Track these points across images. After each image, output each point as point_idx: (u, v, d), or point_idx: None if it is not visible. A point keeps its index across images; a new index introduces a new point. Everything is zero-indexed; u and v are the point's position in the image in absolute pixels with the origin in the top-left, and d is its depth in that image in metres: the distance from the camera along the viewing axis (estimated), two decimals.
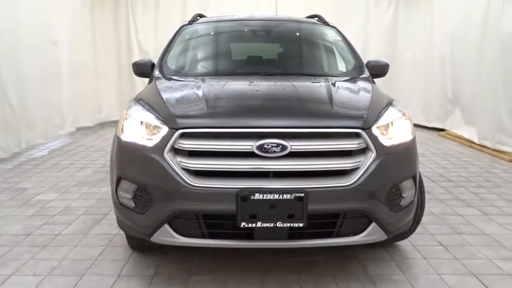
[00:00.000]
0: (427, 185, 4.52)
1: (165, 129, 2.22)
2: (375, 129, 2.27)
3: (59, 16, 6.90)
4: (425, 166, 5.44)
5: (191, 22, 3.82)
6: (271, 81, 2.84)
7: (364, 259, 2.88)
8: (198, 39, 3.60)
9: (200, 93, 2.51)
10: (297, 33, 3.76)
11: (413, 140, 2.50)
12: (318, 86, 2.72)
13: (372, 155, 2.21)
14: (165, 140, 2.20)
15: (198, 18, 3.98)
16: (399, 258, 2.91)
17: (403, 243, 3.11)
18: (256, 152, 2.12)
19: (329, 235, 2.23)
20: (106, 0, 8.55)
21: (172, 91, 2.67)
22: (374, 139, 2.24)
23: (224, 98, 2.53)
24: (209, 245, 2.25)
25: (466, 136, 6.87)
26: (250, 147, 2.13)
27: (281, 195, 2.08)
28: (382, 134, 2.31)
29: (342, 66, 3.44)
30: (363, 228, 2.25)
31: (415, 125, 8.42)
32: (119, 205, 2.43)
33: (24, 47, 5.84)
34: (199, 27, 3.75)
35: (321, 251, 2.90)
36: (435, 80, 7.98)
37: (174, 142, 2.18)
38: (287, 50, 3.63)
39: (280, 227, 2.11)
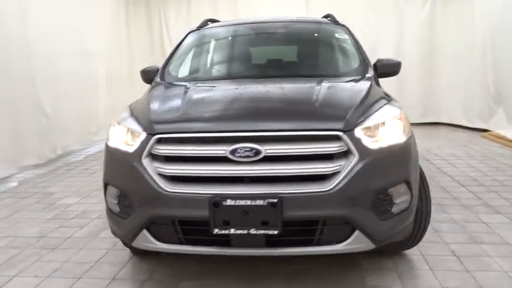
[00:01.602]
0: (454, 190, 4.29)
1: (143, 135, 2.23)
2: (358, 131, 2.15)
3: (93, 26, 7.21)
4: (457, 169, 5.12)
5: (199, 28, 3.84)
6: (263, 83, 2.78)
7: (366, 268, 2.74)
8: (202, 44, 3.60)
9: (184, 98, 2.51)
10: (301, 35, 3.67)
11: (408, 142, 2.34)
12: (308, 88, 2.61)
13: (354, 159, 2.09)
14: (143, 145, 2.21)
15: (209, 23, 3.99)
16: (404, 268, 2.74)
17: (412, 252, 2.93)
18: (230, 157, 2.07)
19: (309, 243, 2.13)
20: (139, 8, 8.84)
21: (161, 97, 2.68)
22: (357, 142, 2.12)
23: (204, 102, 2.51)
24: (187, 252, 2.22)
25: (509, 137, 6.40)
26: (223, 152, 2.08)
27: (254, 201, 2.02)
28: (369, 136, 2.18)
29: (345, 66, 3.31)
30: (345, 236, 2.12)
31: (457, 126, 8.13)
32: (107, 210, 2.47)
33: (58, 57, 6.15)
34: (205, 33, 3.75)
35: (319, 258, 2.79)
36: (477, 77, 7.52)
37: (151, 148, 2.18)
38: (289, 52, 3.55)
39: (254, 234, 2.05)
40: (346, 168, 2.08)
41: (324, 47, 3.57)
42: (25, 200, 4.40)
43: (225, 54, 3.56)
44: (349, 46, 3.42)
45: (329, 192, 2.04)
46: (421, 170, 2.72)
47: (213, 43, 3.65)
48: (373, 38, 8.47)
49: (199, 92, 2.65)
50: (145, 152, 2.19)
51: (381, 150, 2.18)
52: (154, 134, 2.19)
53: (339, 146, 2.09)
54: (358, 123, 2.17)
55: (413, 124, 8.88)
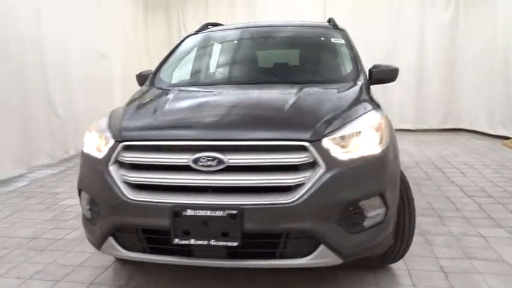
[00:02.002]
0: (459, 200, 4.13)
1: (111, 142, 2.23)
2: (326, 142, 2.07)
3: (111, 29, 7.34)
4: (467, 179, 4.92)
5: (197, 32, 3.83)
6: (243, 90, 2.74)
7: (344, 281, 2.66)
8: (195, 49, 3.58)
9: (159, 105, 2.50)
10: (294, 40, 3.61)
11: (384, 153, 2.23)
12: (284, 95, 2.55)
13: (320, 170, 2.02)
14: (111, 152, 2.21)
15: (210, 27, 3.98)
16: (384, 283, 2.64)
17: (398, 266, 2.82)
18: (192, 166, 2.04)
19: (272, 256, 2.07)
20: (158, 11, 8.96)
21: (138, 103, 2.67)
22: (324, 152, 2.04)
23: (175, 110, 2.48)
24: (150, 260, 2.20)
25: None
26: (186, 160, 2.05)
27: (213, 212, 1.98)
28: (340, 146, 2.10)
29: (334, 73, 3.22)
30: (310, 250, 2.05)
31: (479, 133, 7.82)
32: (82, 216, 2.49)
33: (72, 59, 6.30)
34: (201, 37, 3.74)
35: (298, 270, 2.72)
36: (499, 83, 7.23)
37: (118, 155, 2.18)
38: (279, 58, 3.49)
39: (214, 245, 2.01)
40: (311, 179, 2.01)
41: (316, 52, 3.49)
42: (30, 200, 4.51)
43: (215, 60, 3.54)
44: (343, 52, 3.33)
45: (292, 204, 1.98)
46: (405, 181, 2.63)
47: (206, 48, 3.63)
48: (392, 40, 8.32)
49: (175, 99, 2.63)
50: (112, 159, 2.19)
51: (351, 162, 2.10)
52: (121, 141, 2.19)
53: (304, 157, 2.03)
54: (328, 133, 2.10)
55: (432, 130, 8.68)
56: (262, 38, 3.62)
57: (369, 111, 2.41)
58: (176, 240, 2.03)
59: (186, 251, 2.10)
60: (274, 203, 1.99)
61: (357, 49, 3.41)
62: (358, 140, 2.18)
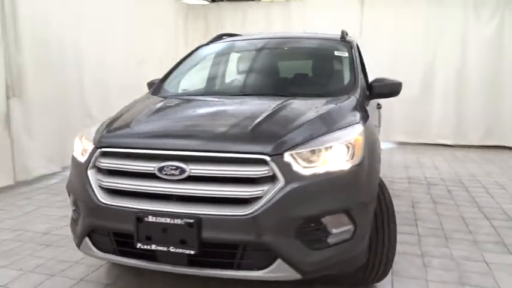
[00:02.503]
0: (475, 222, 3.93)
1: (91, 148, 2.37)
2: (288, 156, 2.08)
3: (150, 37, 7.67)
4: (492, 200, 4.66)
5: (209, 43, 3.95)
6: (227, 101, 2.82)
7: None
8: (200, 59, 3.68)
9: (142, 113, 2.62)
10: (296, 53, 3.63)
11: (355, 169, 2.20)
12: (260, 108, 2.56)
13: (279, 184, 2.04)
14: (90, 157, 2.34)
15: (224, 37, 4.08)
16: None
17: (383, 286, 2.75)
18: (157, 174, 2.13)
19: (229, 266, 2.10)
20: (198, 19, 9.25)
21: (127, 111, 2.80)
22: (284, 167, 2.06)
23: (153, 119, 2.57)
24: (119, 262, 2.31)
25: None
26: (152, 169, 2.14)
27: (172, 220, 2.05)
28: (303, 161, 2.10)
29: (329, 86, 3.20)
30: (267, 263, 2.06)
31: None
32: (71, 216, 2.65)
33: (108, 64, 6.64)
34: (209, 48, 3.84)
35: (278, 282, 2.72)
36: None
37: (95, 160, 2.31)
38: (276, 70, 3.49)
39: (174, 252, 2.08)
40: (269, 193, 2.03)
41: (314, 65, 3.49)
42: (54, 197, 4.81)
43: (214, 71, 3.62)
44: (344, 65, 3.29)
45: (248, 217, 2.01)
46: (386, 197, 2.56)
47: (209, 59, 3.72)
48: (432, 54, 8.05)
49: (159, 109, 2.74)
50: (91, 164, 2.33)
51: (314, 177, 2.10)
52: (99, 147, 2.33)
53: (263, 170, 2.05)
54: (291, 148, 2.11)
55: (473, 147, 8.23)
56: (264, 50, 3.66)
57: (347, 126, 2.38)
58: (139, 245, 2.12)
59: (151, 256, 2.18)
60: (230, 214, 2.03)
61: (360, 62, 3.36)
62: (325, 155, 2.16)
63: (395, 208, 4.25)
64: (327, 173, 2.13)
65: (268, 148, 2.08)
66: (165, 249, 2.08)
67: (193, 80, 3.42)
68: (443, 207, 4.41)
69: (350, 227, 2.20)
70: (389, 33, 8.19)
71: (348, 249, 2.21)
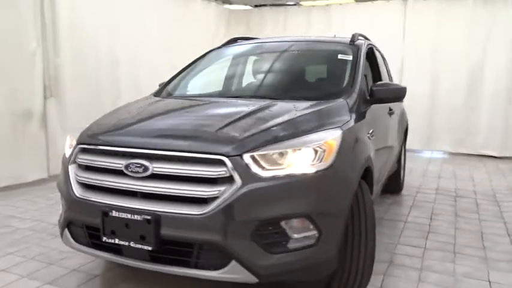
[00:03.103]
0: (494, 239, 3.70)
1: (74, 144, 2.50)
2: (247, 157, 2.07)
3: (189, 43, 7.89)
4: None
5: (221, 46, 4.01)
6: (211, 103, 2.86)
7: None
8: (208, 62, 3.73)
9: (125, 112, 2.71)
10: (300, 56, 3.59)
11: (320, 174, 2.13)
12: (240, 110, 2.56)
13: (235, 185, 2.03)
14: (71, 153, 2.48)
15: (238, 41, 4.12)
16: None
17: None
18: (124, 171, 2.20)
19: (187, 264, 2.12)
20: (239, 26, 9.38)
21: (117, 110, 2.90)
22: (242, 168, 2.04)
23: (131, 118, 2.62)
24: (90, 254, 2.39)
25: None
26: (120, 166, 2.22)
27: (133, 216, 2.11)
28: (263, 163, 2.08)
29: (324, 89, 3.13)
30: (223, 264, 2.06)
31: None
32: None
33: (144, 70, 6.91)
34: (219, 51, 3.89)
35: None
36: None
37: (75, 156, 2.43)
38: (277, 73, 3.45)
39: (134, 247, 2.13)
40: (225, 194, 2.03)
41: (313, 68, 3.42)
42: None
43: (215, 73, 3.66)
44: (345, 68, 3.19)
45: (203, 216, 2.02)
46: (366, 209, 2.46)
47: (216, 61, 3.76)
48: (478, 56, 7.59)
49: (143, 108, 2.81)
50: (72, 159, 2.45)
51: (274, 179, 2.07)
52: (79, 144, 2.45)
53: (221, 171, 2.05)
54: (251, 149, 2.09)
55: None
56: (265, 53, 3.66)
57: (321, 130, 2.33)
58: (104, 238, 2.20)
59: (118, 250, 2.25)
60: (187, 213, 2.05)
61: (363, 66, 3.24)
62: (289, 158, 2.13)
63: (411, 219, 4.13)
64: (288, 176, 2.09)
65: (227, 149, 2.08)
66: (126, 243, 2.14)
67: (193, 82, 3.49)
68: (463, 221, 4.15)
69: (314, 233, 2.14)
70: (432, 36, 7.85)
71: (311, 255, 2.15)
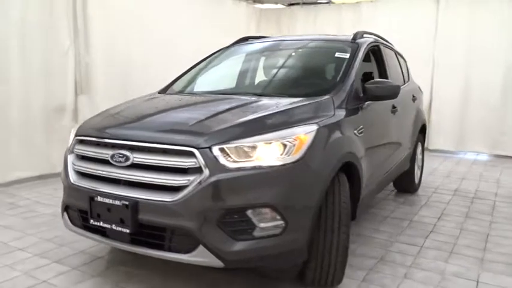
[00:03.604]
0: (498, 241, 3.69)
1: (73, 135, 2.75)
2: (216, 150, 2.21)
3: (219, 42, 8.09)
4: None
5: (230, 45, 4.17)
6: (199, 99, 3.04)
7: None
8: (214, 60, 3.89)
9: (124, 107, 2.94)
10: (298, 55, 3.68)
11: (287, 167, 2.24)
12: (222, 105, 2.72)
13: (203, 175, 2.19)
14: (71, 144, 2.73)
15: (250, 40, 4.26)
16: None
17: None
18: (110, 160, 2.42)
19: (161, 247, 2.30)
20: (270, 22, 9.53)
21: (119, 106, 3.13)
22: (210, 159, 2.19)
23: (124, 112, 2.84)
24: (84, 235, 2.63)
25: None
26: (107, 156, 2.44)
27: (114, 201, 2.32)
28: (232, 155, 2.22)
29: (313, 86, 3.19)
30: (192, 247, 2.22)
31: None
32: None
33: (174, 69, 7.11)
34: (227, 50, 4.05)
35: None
36: None
37: (73, 146, 2.69)
38: (274, 71, 3.56)
39: (115, 229, 2.34)
40: (194, 183, 2.19)
41: (306, 67, 3.50)
42: None
43: (216, 72, 3.79)
44: (339, 66, 3.25)
45: (174, 203, 2.20)
46: (341, 203, 2.52)
47: (221, 60, 3.91)
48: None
49: (140, 104, 3.03)
50: (70, 149, 2.71)
51: (240, 170, 2.20)
52: (77, 136, 2.70)
53: (191, 162, 2.21)
54: (220, 142, 2.24)
55: None
56: (268, 52, 3.77)
57: (295, 125, 2.43)
58: (91, 221, 2.43)
59: (104, 232, 2.47)
60: (161, 200, 2.23)
61: (359, 64, 3.29)
62: (258, 151, 2.25)
63: (417, 219, 4.13)
64: (255, 168, 2.22)
65: (198, 141, 2.24)
66: (109, 226, 2.36)
67: (193, 80, 3.67)
68: (472, 222, 4.07)
69: (280, 223, 2.26)
70: (466, 33, 7.60)
71: (277, 244, 2.27)
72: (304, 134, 2.38)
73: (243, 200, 2.20)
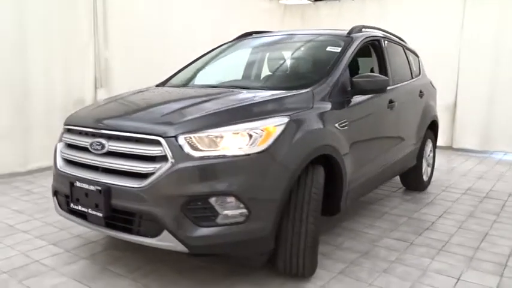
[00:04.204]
0: (494, 241, 3.59)
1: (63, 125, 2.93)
2: (181, 139, 2.30)
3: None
4: None
5: (233, 40, 4.25)
6: (182, 91, 3.16)
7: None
8: (213, 55, 3.98)
9: (114, 99, 3.08)
10: (293, 49, 3.72)
11: (252, 157, 2.30)
12: (199, 97, 2.81)
13: (168, 163, 2.28)
14: (61, 133, 2.91)
15: (253, 35, 4.33)
16: None
17: (321, 282, 2.74)
18: (89, 148, 2.56)
19: (132, 231, 2.42)
20: (295, 18, 9.52)
21: (111, 98, 3.29)
22: (176, 148, 2.28)
23: (110, 104, 2.98)
24: (68, 218, 2.77)
25: None
26: (87, 143, 2.58)
27: (89, 186, 2.46)
28: (197, 144, 2.30)
29: (298, 79, 3.22)
30: (158, 232, 2.32)
31: None
32: None
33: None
34: (227, 44, 4.13)
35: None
36: None
37: (62, 135, 2.86)
38: (264, 65, 3.60)
39: (92, 213, 2.48)
40: (159, 170, 2.29)
41: (296, 61, 3.52)
42: None
43: (210, 65, 3.87)
44: (328, 60, 3.26)
45: (141, 189, 2.31)
46: (310, 194, 2.56)
47: (219, 54, 4.00)
48: None
49: (127, 96, 3.17)
50: (60, 138, 2.88)
51: (203, 159, 2.28)
52: (64, 125, 2.87)
53: (157, 150, 2.31)
54: (186, 132, 2.32)
55: None
56: (262, 47, 3.81)
57: (267, 117, 2.48)
58: (72, 205, 2.59)
59: (84, 216, 2.61)
60: (129, 186, 2.35)
61: (348, 58, 3.28)
62: (225, 141, 2.33)
63: (416, 216, 4.09)
64: (218, 157, 2.29)
65: (164, 130, 2.34)
66: (86, 210, 2.51)
67: (187, 74, 3.78)
68: (474, 221, 3.96)
69: (243, 211, 2.32)
70: (494, 31, 7.30)
71: (240, 232, 2.33)
72: (273, 125, 2.43)
73: (205, 188, 2.28)
